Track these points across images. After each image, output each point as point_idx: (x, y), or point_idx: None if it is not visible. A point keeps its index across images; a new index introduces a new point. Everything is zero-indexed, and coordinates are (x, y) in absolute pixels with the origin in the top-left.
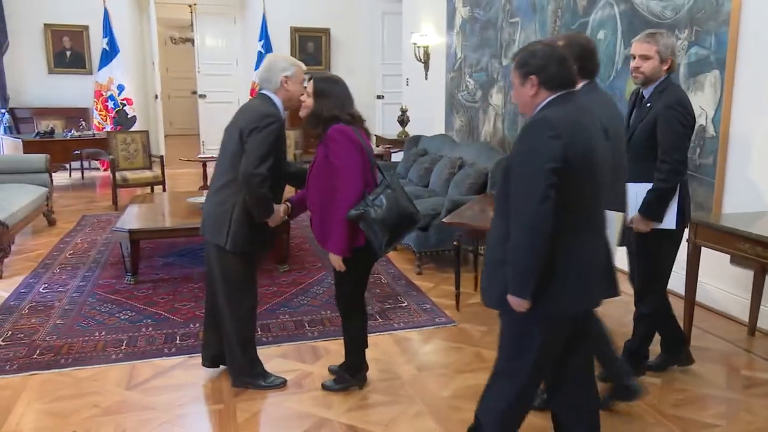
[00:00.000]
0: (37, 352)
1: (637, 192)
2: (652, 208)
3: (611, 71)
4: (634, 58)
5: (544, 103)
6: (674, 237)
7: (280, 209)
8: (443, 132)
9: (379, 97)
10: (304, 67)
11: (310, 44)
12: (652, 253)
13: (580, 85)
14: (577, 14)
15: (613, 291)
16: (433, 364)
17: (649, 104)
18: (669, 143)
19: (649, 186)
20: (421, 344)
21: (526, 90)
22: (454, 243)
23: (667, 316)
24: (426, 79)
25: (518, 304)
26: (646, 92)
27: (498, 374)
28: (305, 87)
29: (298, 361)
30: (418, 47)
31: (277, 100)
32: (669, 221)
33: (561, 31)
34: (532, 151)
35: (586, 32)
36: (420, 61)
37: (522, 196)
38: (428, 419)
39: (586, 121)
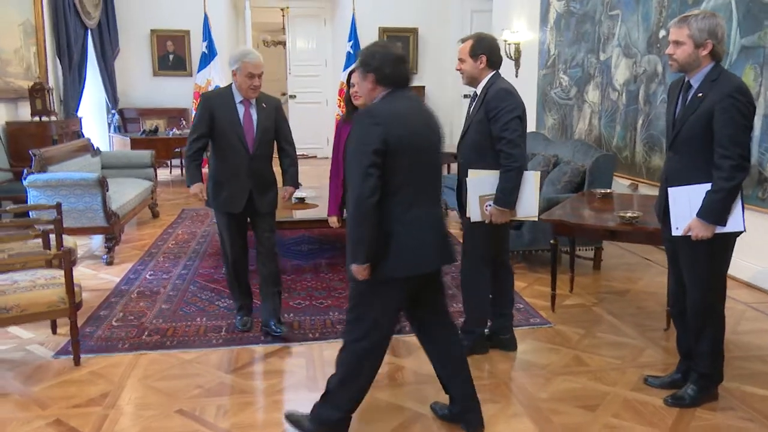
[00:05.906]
0: (146, 333)
1: (690, 195)
2: (717, 210)
3: (725, 63)
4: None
5: (379, 97)
6: (730, 241)
7: None
8: (534, 130)
9: (466, 96)
10: (253, 58)
11: (398, 44)
12: (706, 260)
13: (488, 75)
14: (685, 4)
15: (447, 258)
16: (529, 365)
17: (701, 94)
18: (729, 136)
19: (704, 187)
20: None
21: (366, 84)
22: (551, 242)
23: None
24: (516, 77)
25: (356, 270)
26: (694, 81)
27: (346, 322)
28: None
29: (390, 355)
30: (509, 44)
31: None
32: (735, 223)
33: (666, 22)
34: (357, 137)
35: None
36: (511, 58)
37: (352, 174)
38: (526, 420)
39: (408, 112)
